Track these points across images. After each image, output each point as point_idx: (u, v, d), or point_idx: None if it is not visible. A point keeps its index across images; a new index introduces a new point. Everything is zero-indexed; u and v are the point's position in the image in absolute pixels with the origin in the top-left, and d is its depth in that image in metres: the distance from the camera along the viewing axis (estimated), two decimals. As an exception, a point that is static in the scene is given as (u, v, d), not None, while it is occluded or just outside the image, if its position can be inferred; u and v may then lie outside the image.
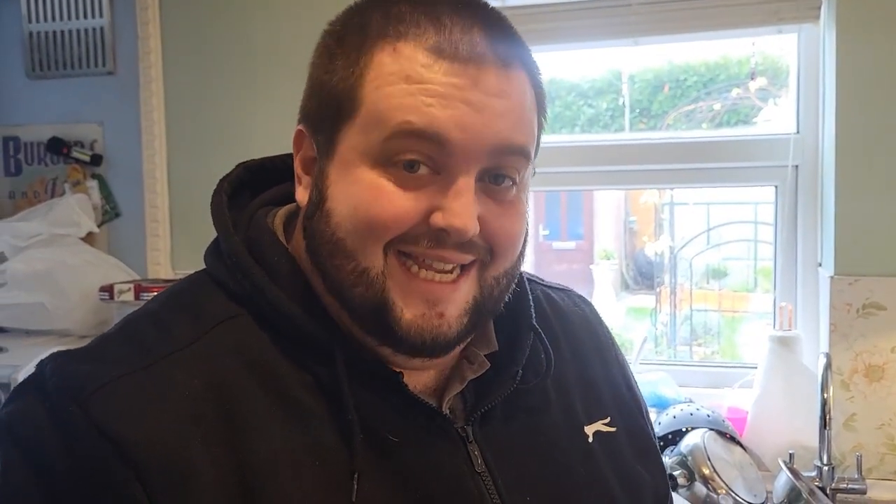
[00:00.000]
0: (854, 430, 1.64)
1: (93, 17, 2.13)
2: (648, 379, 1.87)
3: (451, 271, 0.67)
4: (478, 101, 0.64)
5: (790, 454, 1.61)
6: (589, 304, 0.94)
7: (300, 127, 0.72)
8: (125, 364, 0.63)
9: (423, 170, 0.64)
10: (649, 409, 1.85)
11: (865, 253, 1.63)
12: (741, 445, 1.65)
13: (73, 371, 0.63)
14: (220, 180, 0.80)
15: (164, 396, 0.62)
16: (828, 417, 1.53)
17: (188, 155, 2.11)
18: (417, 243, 0.66)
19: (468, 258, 0.68)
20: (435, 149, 0.64)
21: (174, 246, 2.13)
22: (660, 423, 1.71)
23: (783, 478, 1.49)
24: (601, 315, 0.95)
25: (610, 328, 0.94)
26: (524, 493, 0.72)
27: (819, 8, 1.71)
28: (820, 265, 1.76)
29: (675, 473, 1.52)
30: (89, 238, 2.12)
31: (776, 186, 1.85)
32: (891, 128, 1.62)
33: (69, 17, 2.15)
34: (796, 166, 1.81)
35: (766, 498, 1.54)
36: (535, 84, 0.71)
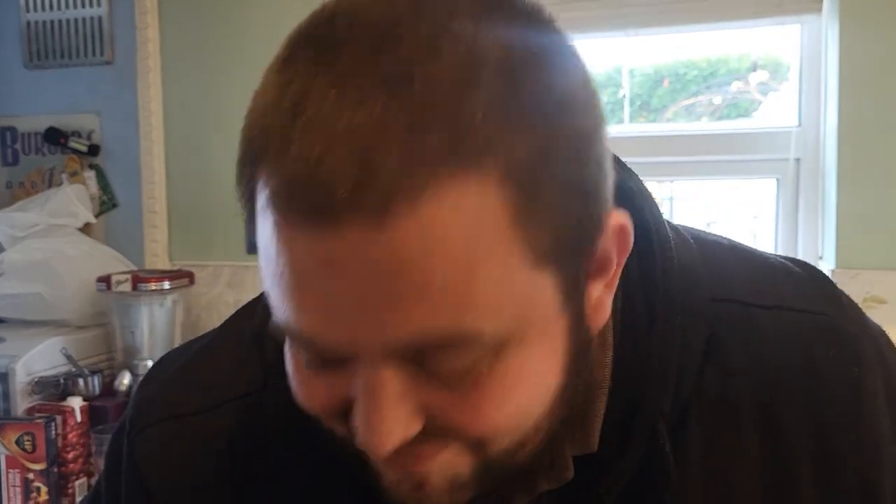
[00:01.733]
0: (854, 424, 1.64)
1: (90, 6, 2.11)
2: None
3: None
4: (345, 291, 0.39)
5: (789, 448, 1.60)
6: (837, 342, 0.54)
7: None
8: (186, 401, 0.62)
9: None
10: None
11: (866, 246, 1.63)
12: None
13: (142, 398, 0.65)
14: None
15: (206, 452, 0.59)
16: (828, 411, 1.52)
17: (186, 146, 2.10)
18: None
19: (427, 451, 0.44)
20: (320, 350, 0.43)
21: (172, 237, 2.12)
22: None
23: (782, 471, 1.48)
24: (863, 362, 0.54)
25: (877, 381, 0.54)
26: None
27: (822, 0, 1.70)
28: (820, 258, 1.76)
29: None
30: (86, 229, 2.11)
31: (777, 179, 1.85)
32: (893, 121, 1.62)
33: (67, 7, 2.13)
34: (798, 159, 1.80)
35: (765, 491, 1.53)
36: (516, 168, 0.39)
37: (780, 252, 1.83)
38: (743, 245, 0.60)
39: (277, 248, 0.40)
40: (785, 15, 1.73)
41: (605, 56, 2.15)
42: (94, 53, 2.13)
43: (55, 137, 2.13)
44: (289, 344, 0.46)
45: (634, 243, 0.49)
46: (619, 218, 0.46)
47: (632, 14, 1.81)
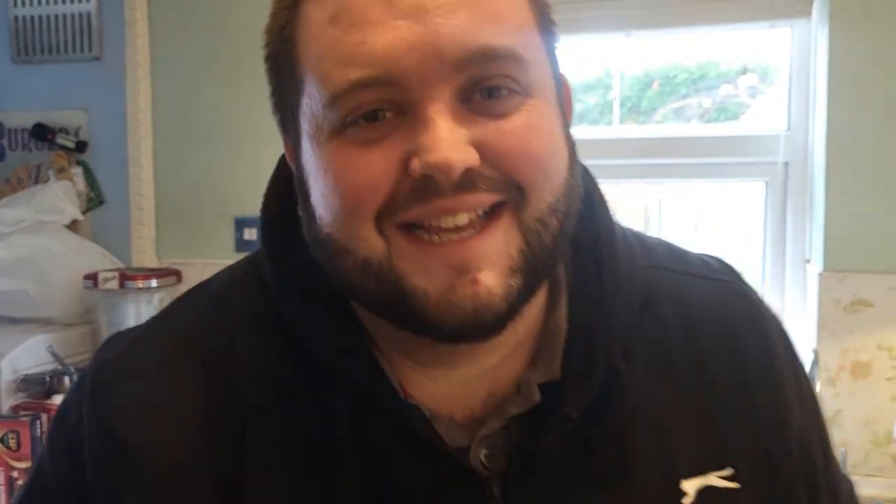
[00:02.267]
0: (840, 427, 1.64)
1: (79, 1, 2.10)
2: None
3: (470, 225, 0.52)
4: (412, 6, 0.50)
5: (776, 450, 1.61)
6: (745, 303, 0.68)
7: (284, 139, 0.62)
8: (148, 359, 0.62)
9: (387, 116, 0.52)
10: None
11: (854, 250, 1.64)
12: (727, 441, 1.65)
13: (99, 365, 0.63)
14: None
15: (174, 402, 0.60)
16: (814, 413, 1.53)
17: (174, 142, 2.09)
18: (411, 205, 0.52)
19: (482, 197, 0.52)
20: (388, 89, 0.51)
21: (159, 234, 2.11)
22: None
23: (769, 473, 1.49)
24: (766, 319, 0.68)
25: (777, 335, 0.68)
26: None
27: (812, 4, 1.71)
28: (808, 261, 1.77)
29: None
30: (73, 225, 2.10)
31: (766, 183, 1.85)
32: (881, 125, 1.63)
33: (55, 2, 2.12)
34: (786, 163, 1.81)
35: (752, 493, 1.54)
36: None
37: (769, 255, 1.84)
38: (670, 241, 0.72)
39: (351, 6, 0.51)
40: (775, 19, 1.74)
41: (596, 58, 2.15)
42: (82, 49, 2.11)
43: (42, 133, 2.12)
44: (344, 130, 0.53)
45: (584, 229, 0.60)
46: (564, 79, 0.60)
47: (624, 16, 1.81)
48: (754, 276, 1.92)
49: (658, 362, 0.62)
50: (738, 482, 0.61)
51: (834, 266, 1.64)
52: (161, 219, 2.11)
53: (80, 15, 2.10)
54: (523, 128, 0.53)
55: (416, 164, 0.50)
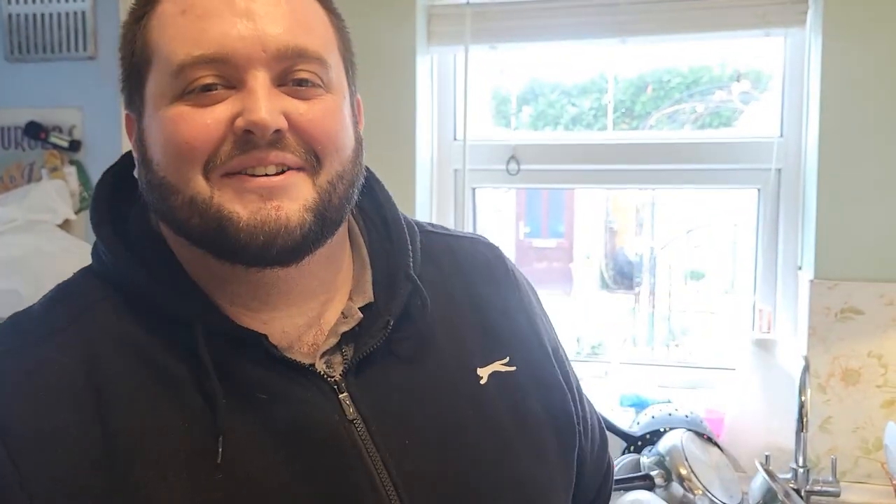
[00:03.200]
0: (829, 433, 1.65)
1: (74, 0, 2.09)
2: (628, 379, 1.88)
3: (276, 174, 0.68)
4: (246, 9, 0.67)
5: (766, 456, 1.62)
6: (494, 250, 0.93)
7: (126, 112, 0.75)
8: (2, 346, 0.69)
9: (219, 89, 0.67)
10: (628, 408, 1.84)
11: (845, 257, 1.65)
12: (718, 446, 1.65)
13: None
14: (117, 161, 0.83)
15: (37, 375, 0.67)
16: (804, 420, 1.54)
17: (169, 143, 2.08)
18: (233, 157, 0.67)
19: (288, 157, 0.68)
20: (221, 67, 0.66)
21: (153, 235, 2.10)
22: (638, 422, 1.71)
23: (759, 479, 1.50)
24: (508, 262, 0.93)
25: (517, 272, 0.94)
26: (403, 437, 0.73)
27: (806, 13, 1.71)
28: (800, 268, 1.78)
29: (653, 473, 1.53)
30: (66, 225, 2.09)
31: (759, 189, 1.86)
32: (874, 133, 1.63)
33: (50, 0, 2.11)
34: (779, 170, 1.81)
35: (742, 499, 1.55)
36: None
37: (761, 262, 1.84)
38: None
39: (198, 2, 0.67)
40: (769, 27, 1.75)
41: (590, 62, 2.16)
42: (77, 48, 2.10)
43: (35, 132, 2.11)
44: (183, 97, 0.67)
45: (371, 205, 0.83)
46: (358, 98, 0.79)
47: (621, 22, 1.82)
48: (746, 283, 1.93)
49: (441, 290, 0.82)
50: (513, 366, 0.82)
51: (825, 274, 1.65)
52: (154, 219, 2.10)
53: (75, 14, 2.10)
54: (322, 111, 0.70)
55: (240, 121, 0.66)
